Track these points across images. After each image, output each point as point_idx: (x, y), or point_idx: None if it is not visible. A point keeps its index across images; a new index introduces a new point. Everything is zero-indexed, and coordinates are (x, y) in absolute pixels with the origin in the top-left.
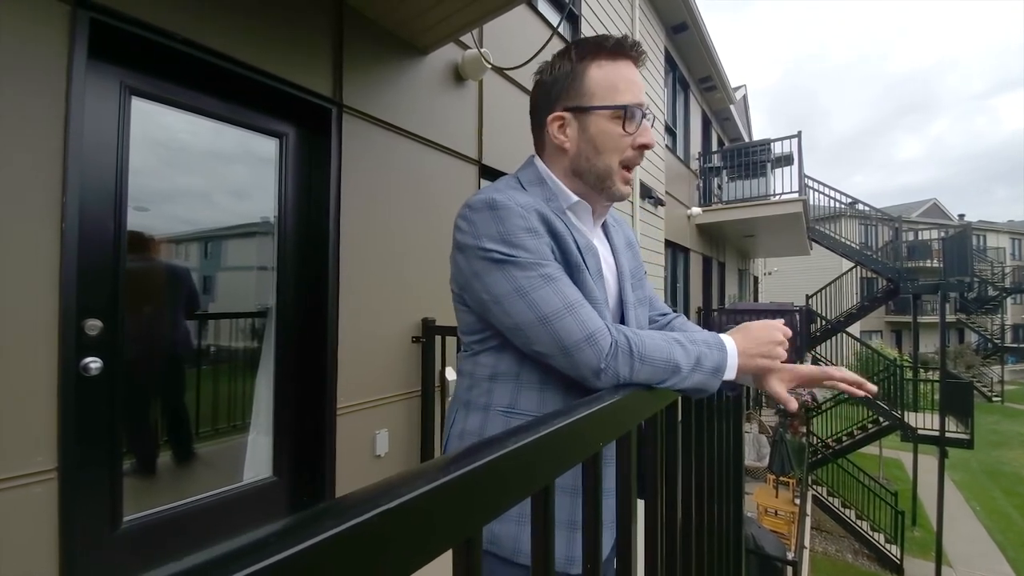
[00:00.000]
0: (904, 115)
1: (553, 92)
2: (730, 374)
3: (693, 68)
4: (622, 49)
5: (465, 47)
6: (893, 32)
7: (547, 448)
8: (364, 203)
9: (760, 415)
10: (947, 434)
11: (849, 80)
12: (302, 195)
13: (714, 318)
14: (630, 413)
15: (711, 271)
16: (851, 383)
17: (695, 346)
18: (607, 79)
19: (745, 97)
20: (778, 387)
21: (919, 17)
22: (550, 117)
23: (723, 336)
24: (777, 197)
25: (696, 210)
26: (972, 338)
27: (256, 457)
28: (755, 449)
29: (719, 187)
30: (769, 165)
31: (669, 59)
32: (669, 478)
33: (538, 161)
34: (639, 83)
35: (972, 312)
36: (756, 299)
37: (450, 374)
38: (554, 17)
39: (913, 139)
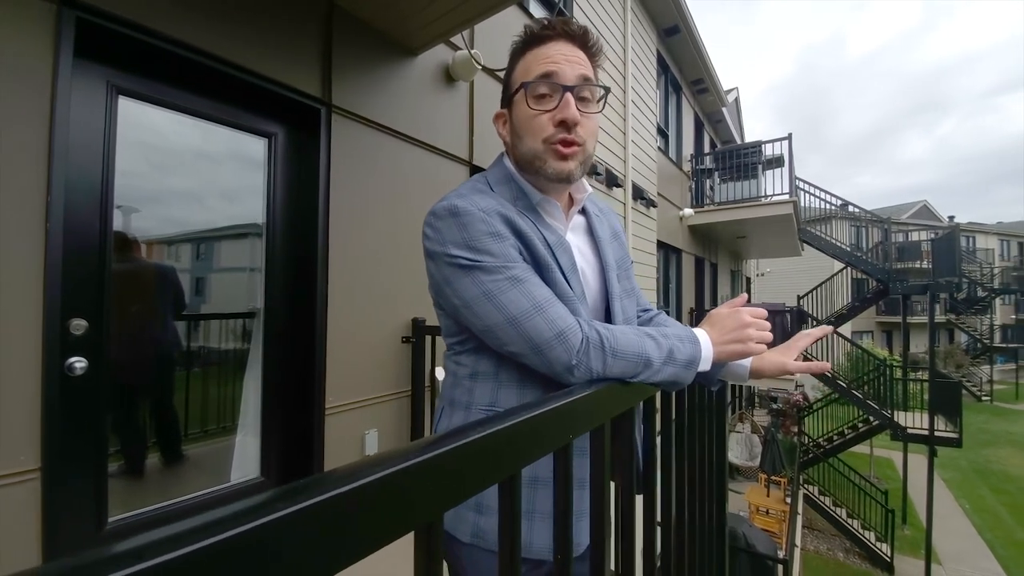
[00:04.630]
0: (917, 114)
1: (502, 94)
2: (704, 365)
3: (685, 71)
4: (546, 30)
5: (456, 48)
6: (915, 26)
7: (513, 439)
8: (353, 203)
9: (752, 415)
10: (936, 433)
11: (864, 78)
12: (291, 195)
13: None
14: (602, 407)
15: (703, 272)
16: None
17: (667, 340)
18: (525, 64)
19: (737, 100)
20: (776, 362)
21: (942, 11)
22: (495, 116)
23: (696, 329)
24: (768, 199)
25: (688, 211)
26: (962, 338)
27: (244, 458)
28: (747, 449)
29: (711, 188)
30: (760, 167)
31: (661, 62)
32: (649, 470)
33: (506, 159)
34: (558, 56)
35: (962, 312)
36: (749, 300)
37: (440, 374)
38: (544, 17)
39: (922, 139)
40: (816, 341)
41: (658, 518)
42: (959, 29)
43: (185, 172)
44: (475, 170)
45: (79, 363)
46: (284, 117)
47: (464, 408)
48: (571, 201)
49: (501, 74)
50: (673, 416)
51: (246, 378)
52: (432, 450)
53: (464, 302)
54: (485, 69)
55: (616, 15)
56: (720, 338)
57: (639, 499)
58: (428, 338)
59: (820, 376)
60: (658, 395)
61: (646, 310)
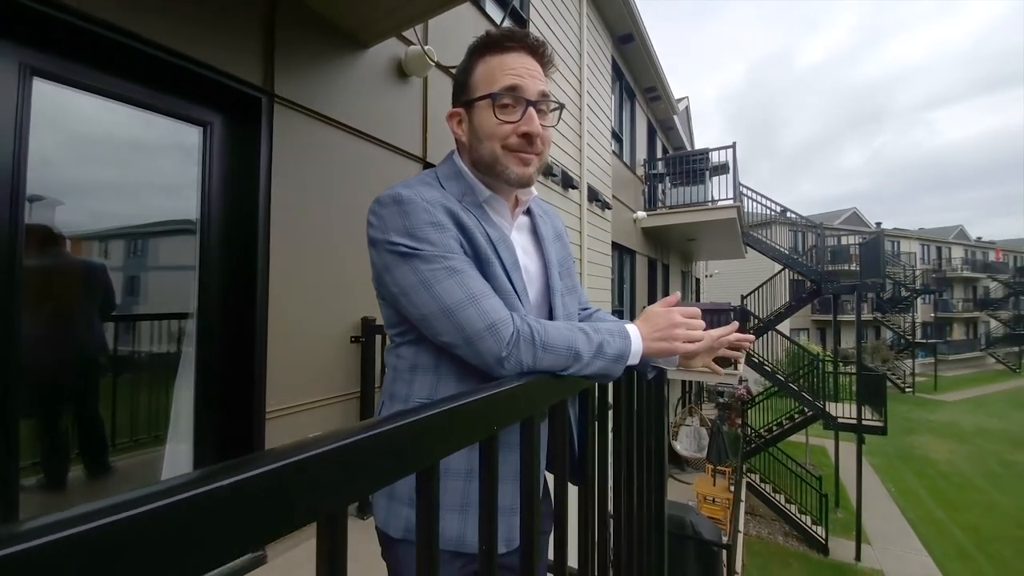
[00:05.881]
0: (855, 126)
1: (454, 91)
2: (634, 360)
3: (639, 78)
4: (509, 40)
5: (409, 43)
6: (857, 43)
7: (428, 431)
8: (298, 198)
9: (701, 409)
10: (864, 422)
11: (808, 91)
12: (229, 189)
13: None
14: (529, 399)
15: (656, 272)
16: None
17: (598, 334)
18: (488, 71)
19: (688, 108)
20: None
21: (883, 31)
22: (449, 114)
23: (628, 324)
24: (715, 203)
25: (641, 214)
26: (887, 335)
27: (175, 468)
28: (696, 441)
29: (663, 193)
30: (708, 173)
31: (616, 68)
32: (585, 461)
33: (456, 156)
34: (522, 70)
35: (887, 311)
36: (698, 299)
37: None
38: (500, 17)
39: (859, 149)
40: (735, 341)
41: (609, 509)
42: (897, 48)
43: (111, 162)
44: (429, 167)
45: None
46: (221, 106)
47: (403, 401)
48: (517, 201)
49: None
50: (610, 405)
51: (177, 383)
52: (332, 442)
53: (402, 290)
54: (439, 66)
55: (572, 20)
56: (650, 334)
57: (579, 491)
58: (379, 337)
59: (760, 370)
60: (609, 386)
61: (585, 308)
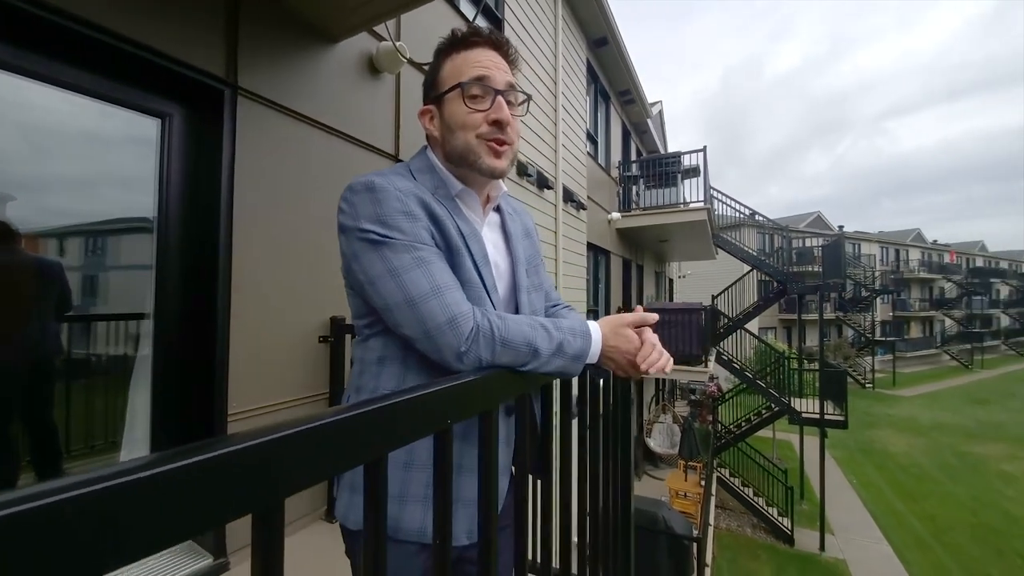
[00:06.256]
0: (820, 134)
1: (424, 90)
2: (592, 359)
3: (614, 81)
4: (474, 36)
5: (380, 39)
6: (823, 54)
7: (374, 423)
8: (263, 194)
9: (674, 406)
10: (826, 417)
11: (777, 99)
12: (189, 184)
13: None
14: (487, 393)
15: (631, 273)
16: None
17: (560, 333)
18: (455, 66)
19: (661, 112)
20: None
21: (847, 42)
22: (420, 112)
23: (591, 324)
24: (686, 205)
25: (616, 215)
26: (848, 333)
27: None
28: (669, 438)
29: (637, 194)
30: (679, 176)
31: (591, 71)
32: (546, 454)
33: (429, 151)
34: (488, 62)
35: (848, 310)
36: (671, 299)
37: None
38: (473, 13)
39: (823, 156)
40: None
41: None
42: (859, 60)
43: (64, 156)
44: None
45: None
46: (180, 97)
47: (370, 394)
48: (488, 198)
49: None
50: (574, 401)
51: (133, 386)
52: (267, 435)
53: (369, 278)
54: (412, 63)
55: (547, 21)
56: (608, 346)
57: (540, 484)
58: (348, 337)
59: (730, 367)
60: (573, 381)
61: (554, 305)
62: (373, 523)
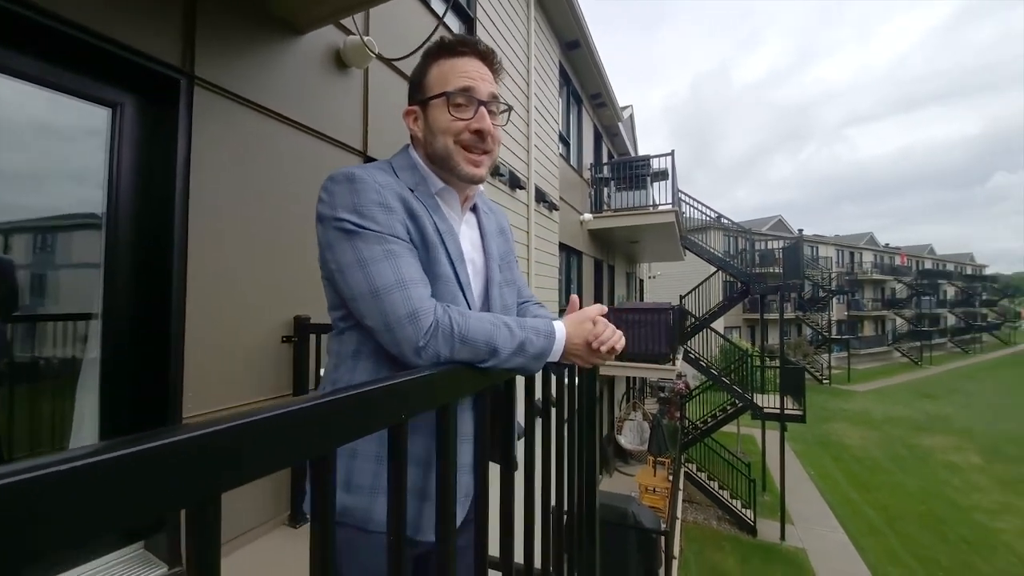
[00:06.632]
0: (785, 141)
1: (410, 90)
2: (554, 358)
3: (585, 84)
4: (462, 46)
5: (348, 32)
6: (789, 64)
7: (322, 418)
8: (222, 189)
9: (644, 404)
10: (786, 411)
11: (744, 106)
12: (141, 177)
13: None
14: (445, 388)
15: (602, 273)
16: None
17: (523, 331)
18: (442, 73)
19: (632, 116)
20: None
21: (811, 54)
22: (405, 112)
23: (556, 323)
24: (656, 208)
25: (588, 216)
26: (807, 332)
27: None
28: (639, 435)
29: (608, 196)
30: (649, 179)
31: (564, 73)
32: (507, 447)
33: (411, 149)
34: (474, 73)
35: (807, 310)
36: (642, 299)
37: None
38: (443, 9)
39: (787, 162)
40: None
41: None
42: (821, 71)
43: (4, 147)
44: (370, 161)
45: None
46: (133, 85)
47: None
48: (466, 197)
49: (399, 65)
50: (538, 395)
51: (80, 389)
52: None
53: (340, 267)
54: (381, 58)
55: (520, 22)
56: (572, 344)
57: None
58: (313, 337)
59: (697, 365)
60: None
61: (525, 301)
62: (321, 516)
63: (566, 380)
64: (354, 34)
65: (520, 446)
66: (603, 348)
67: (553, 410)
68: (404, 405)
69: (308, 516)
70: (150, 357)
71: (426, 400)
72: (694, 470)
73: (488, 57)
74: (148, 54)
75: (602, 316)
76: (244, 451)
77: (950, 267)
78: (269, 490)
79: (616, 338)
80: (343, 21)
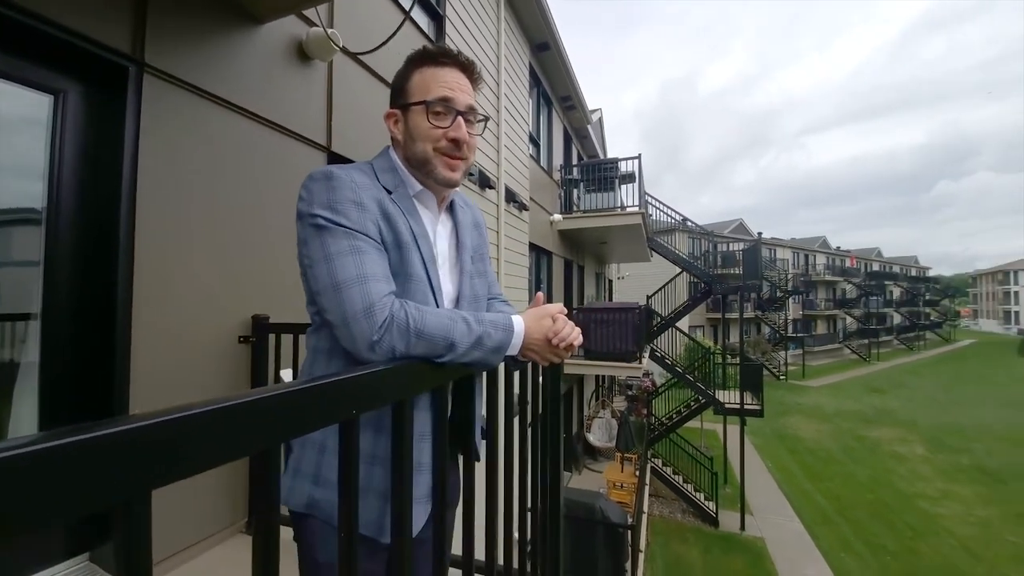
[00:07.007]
0: (748, 147)
1: (392, 94)
2: (513, 351)
3: (555, 86)
4: (444, 56)
5: (311, 24)
6: (753, 74)
7: (263, 412)
8: (174, 183)
9: (613, 402)
10: (745, 406)
11: (710, 113)
12: (85, 169)
13: (573, 315)
14: (400, 384)
15: (572, 273)
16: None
17: (481, 326)
18: (423, 81)
19: (601, 119)
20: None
21: (774, 64)
22: (386, 114)
23: (515, 317)
24: (623, 210)
25: (558, 217)
26: (766, 330)
27: None
28: (607, 432)
29: (578, 197)
30: (617, 181)
31: (534, 75)
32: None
33: (392, 151)
34: (454, 84)
35: (766, 310)
36: (611, 299)
37: (286, 375)
38: (409, 4)
39: (749, 168)
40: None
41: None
42: (782, 81)
43: None
44: (334, 157)
45: None
46: (77, 72)
47: None
48: (443, 198)
49: (365, 59)
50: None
51: (17, 396)
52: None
53: (311, 262)
54: (346, 51)
55: (491, 22)
56: (531, 339)
57: (463, 465)
58: (272, 336)
59: (662, 363)
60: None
61: (492, 297)
62: (265, 516)
63: (529, 378)
64: (317, 26)
65: (483, 445)
66: (561, 344)
67: (516, 406)
68: (355, 400)
69: (290, 508)
70: (94, 360)
71: (379, 395)
72: (660, 465)
73: (468, 69)
74: (94, 39)
75: (562, 314)
76: (180, 445)
77: (896, 269)
78: (224, 495)
79: (575, 335)
80: (306, 12)
